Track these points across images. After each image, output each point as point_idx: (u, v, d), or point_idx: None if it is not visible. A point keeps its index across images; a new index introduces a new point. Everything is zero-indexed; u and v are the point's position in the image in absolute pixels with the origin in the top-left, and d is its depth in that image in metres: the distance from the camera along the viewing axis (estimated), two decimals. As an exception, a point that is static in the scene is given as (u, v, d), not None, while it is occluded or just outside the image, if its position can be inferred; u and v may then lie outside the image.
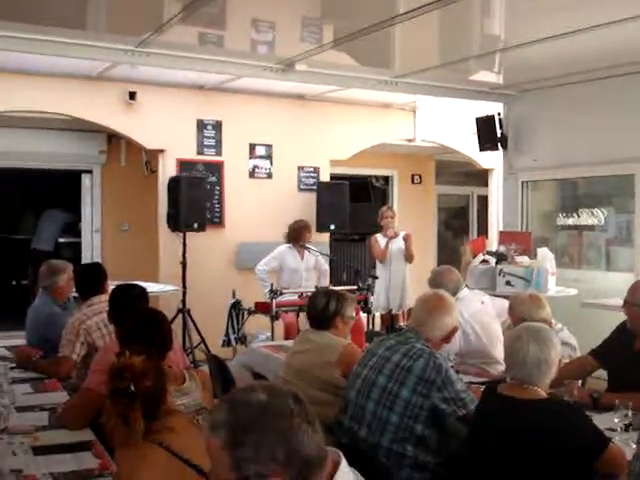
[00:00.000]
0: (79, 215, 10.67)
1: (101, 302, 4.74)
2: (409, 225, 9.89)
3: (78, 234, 10.76)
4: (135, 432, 2.34)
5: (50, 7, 5.60)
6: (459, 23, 5.92)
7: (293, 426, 1.63)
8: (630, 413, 3.30)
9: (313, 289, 7.55)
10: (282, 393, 1.69)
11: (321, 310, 4.36)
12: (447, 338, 3.82)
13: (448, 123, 10.81)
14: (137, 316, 3.32)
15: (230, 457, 1.61)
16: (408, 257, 8.76)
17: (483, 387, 3.80)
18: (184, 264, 8.32)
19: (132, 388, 2.40)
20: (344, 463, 1.80)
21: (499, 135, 8.58)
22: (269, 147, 9.57)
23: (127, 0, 5.44)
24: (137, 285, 4.51)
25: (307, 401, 1.71)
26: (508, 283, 7.10)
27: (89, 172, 10.37)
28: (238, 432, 1.60)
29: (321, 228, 9.39)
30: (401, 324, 7.96)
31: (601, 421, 3.26)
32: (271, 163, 9.60)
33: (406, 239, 8.72)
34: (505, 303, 5.22)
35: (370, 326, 7.92)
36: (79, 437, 3.24)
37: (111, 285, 5.04)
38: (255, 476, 1.60)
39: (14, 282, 13.35)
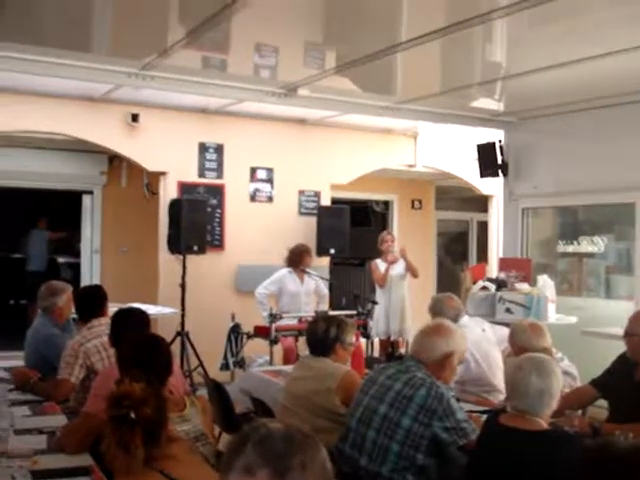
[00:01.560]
0: (74, 233, 10.68)
1: (101, 325, 4.73)
2: (409, 250, 9.87)
3: (77, 254, 10.76)
4: (136, 459, 2.33)
5: (55, 29, 5.63)
6: (461, 51, 5.96)
7: (316, 441, 1.65)
8: (631, 444, 3.28)
9: (312, 314, 7.56)
10: (287, 420, 1.70)
11: (321, 337, 4.35)
12: (445, 363, 3.76)
13: (449, 149, 10.85)
14: (138, 341, 3.30)
15: None
16: (412, 272, 8.72)
17: (484, 416, 3.79)
18: (183, 286, 8.30)
19: (132, 415, 2.39)
20: None
21: (500, 162, 8.60)
22: (270, 171, 9.60)
23: (132, 24, 5.45)
24: (138, 309, 4.51)
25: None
26: (508, 310, 7.09)
27: (90, 193, 10.39)
28: (280, 461, 1.57)
29: (321, 252, 9.39)
30: (401, 351, 7.93)
31: (602, 452, 3.24)
32: (272, 187, 9.62)
33: (403, 255, 8.68)
34: (505, 331, 5.21)
35: (369, 351, 7.89)
36: (78, 462, 3.21)
37: (111, 307, 5.05)
38: None
39: (12, 302, 13.33)
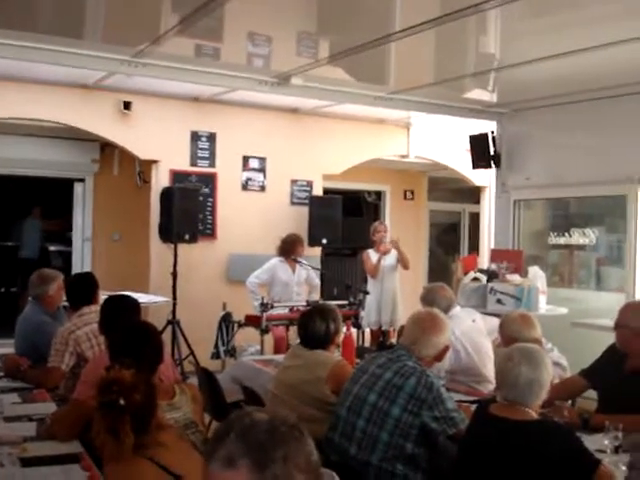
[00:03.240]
0: (67, 223, 10.64)
1: (91, 312, 4.72)
2: (401, 240, 9.89)
3: (69, 242, 10.73)
4: (125, 446, 2.32)
5: (47, 16, 5.61)
6: (454, 42, 5.96)
7: (303, 433, 1.63)
8: (620, 435, 3.29)
9: (304, 303, 7.57)
10: (275, 409, 1.69)
11: (323, 334, 4.32)
12: (439, 357, 3.82)
13: (442, 140, 10.85)
14: (128, 329, 3.30)
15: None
16: (404, 264, 8.72)
17: (473, 406, 3.80)
18: (175, 275, 8.29)
19: (122, 402, 2.38)
20: None
21: (492, 153, 8.61)
22: (263, 160, 9.59)
23: (125, 11, 5.42)
24: (129, 297, 4.50)
25: (296, 417, 1.71)
26: (499, 301, 7.10)
27: (82, 180, 10.35)
28: (262, 453, 1.56)
29: (313, 242, 9.40)
30: (392, 341, 7.95)
31: (591, 442, 3.26)
32: (264, 176, 9.61)
33: (396, 246, 8.68)
34: (496, 321, 5.22)
35: (360, 342, 7.91)
36: (67, 449, 3.21)
37: (101, 295, 5.04)
38: None
39: (2, 289, 13.30)
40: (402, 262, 8.69)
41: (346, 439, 3.62)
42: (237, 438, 1.57)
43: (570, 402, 4.40)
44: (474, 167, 8.96)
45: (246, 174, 9.50)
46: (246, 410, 1.69)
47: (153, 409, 2.48)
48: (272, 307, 7.52)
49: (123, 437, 2.33)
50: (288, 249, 8.23)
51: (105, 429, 2.34)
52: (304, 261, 8.35)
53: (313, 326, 4.34)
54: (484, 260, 9.43)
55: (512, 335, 4.35)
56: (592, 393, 4.34)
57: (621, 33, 5.35)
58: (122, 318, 3.91)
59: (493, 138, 8.60)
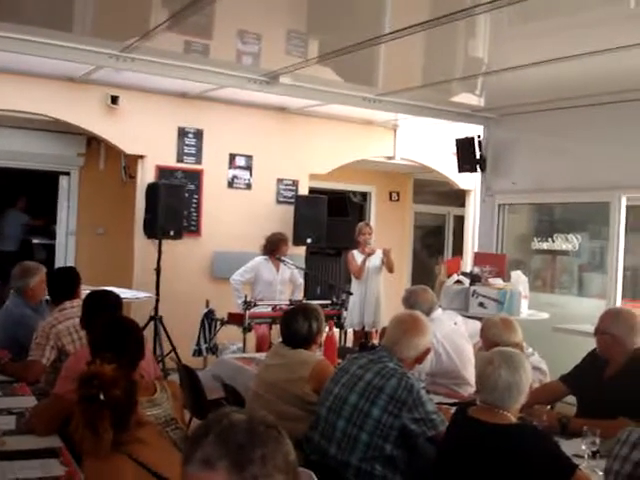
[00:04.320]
0: (51, 219, 10.58)
1: (73, 307, 4.71)
2: (385, 242, 9.90)
3: (52, 236, 10.68)
4: (103, 442, 2.32)
5: (36, 7, 5.57)
6: (443, 45, 5.97)
7: (280, 433, 1.64)
8: (598, 440, 3.32)
9: (287, 302, 7.58)
10: (253, 409, 1.69)
11: (305, 333, 4.34)
12: (420, 359, 3.84)
13: (428, 143, 10.88)
14: (110, 324, 3.29)
15: None
16: (389, 268, 8.73)
17: (453, 408, 3.82)
18: (158, 271, 8.27)
19: (101, 396, 2.38)
20: None
21: (478, 157, 8.65)
22: (249, 158, 9.58)
23: (115, 5, 5.40)
24: (111, 292, 4.49)
25: (278, 416, 1.71)
26: (481, 305, 7.13)
27: (67, 174, 10.30)
28: (240, 454, 1.56)
29: (298, 241, 9.41)
30: (374, 342, 7.96)
31: (569, 447, 3.29)
32: (250, 174, 9.60)
33: (387, 255, 8.68)
34: (477, 325, 5.26)
35: (342, 342, 7.92)
36: (47, 443, 3.21)
37: (84, 289, 5.03)
38: None
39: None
40: (387, 266, 8.70)
41: (326, 439, 3.63)
42: (215, 440, 1.57)
43: (549, 406, 4.42)
44: (460, 170, 8.99)
45: (232, 172, 9.49)
46: (224, 411, 1.68)
47: (133, 405, 2.48)
48: (255, 305, 7.52)
49: (102, 432, 2.32)
50: (272, 248, 8.24)
51: (84, 424, 2.34)
52: (288, 260, 8.36)
53: (296, 325, 4.35)
54: (468, 263, 9.47)
55: (493, 339, 4.37)
56: (571, 398, 4.37)
57: (608, 41, 5.38)
58: (104, 313, 3.90)
59: (479, 142, 8.64)
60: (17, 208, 12.05)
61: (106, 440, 2.32)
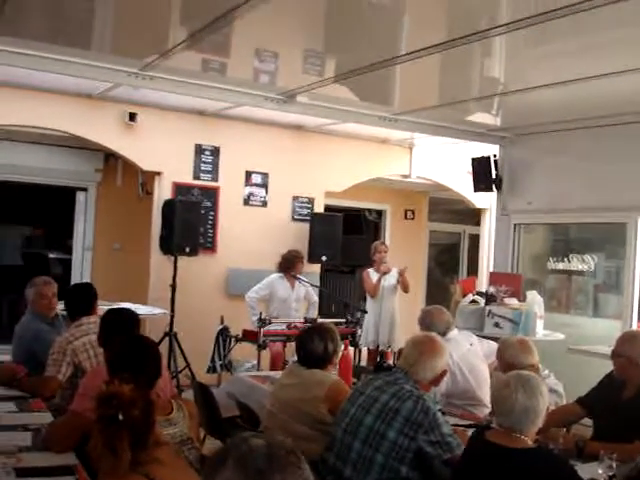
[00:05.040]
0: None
1: (90, 323, 4.74)
2: (400, 260, 9.89)
3: (69, 251, 10.74)
4: (122, 462, 2.32)
5: (56, 25, 5.63)
6: (460, 66, 6.00)
7: (299, 458, 1.65)
8: (614, 464, 3.29)
9: (302, 320, 7.58)
10: (271, 432, 1.71)
11: (321, 354, 4.32)
12: (436, 381, 3.83)
13: (444, 161, 10.88)
14: (127, 343, 3.30)
15: None
16: (405, 288, 8.71)
17: (469, 430, 3.81)
18: (174, 287, 8.30)
19: (120, 417, 2.39)
20: None
21: (494, 177, 8.64)
22: (265, 175, 9.61)
23: (134, 24, 5.46)
24: (129, 310, 4.51)
25: (292, 436, 1.72)
26: (496, 325, 7.12)
27: (84, 190, 10.37)
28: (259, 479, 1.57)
29: (313, 259, 9.41)
30: (389, 362, 7.94)
31: (585, 471, 3.27)
32: (266, 191, 9.63)
33: (402, 274, 8.68)
34: (493, 345, 5.23)
35: (357, 360, 7.90)
36: (63, 461, 3.21)
37: (100, 305, 5.06)
38: None
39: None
40: (403, 285, 8.69)
41: (341, 460, 3.62)
42: (235, 465, 1.58)
43: (565, 429, 4.40)
44: (475, 190, 8.98)
45: (248, 189, 9.53)
46: (242, 435, 1.70)
47: (151, 425, 2.49)
48: (270, 323, 7.52)
49: (120, 452, 2.32)
50: (288, 265, 8.25)
51: (103, 443, 2.34)
52: (303, 278, 8.37)
53: (311, 345, 4.34)
54: (483, 282, 9.45)
55: (509, 360, 4.36)
56: (588, 420, 4.35)
57: (626, 62, 5.39)
58: (122, 332, 3.92)
59: (495, 162, 8.63)
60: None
61: (124, 460, 2.32)
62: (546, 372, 4.75)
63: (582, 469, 3.27)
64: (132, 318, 4.32)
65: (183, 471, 2.61)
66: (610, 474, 3.31)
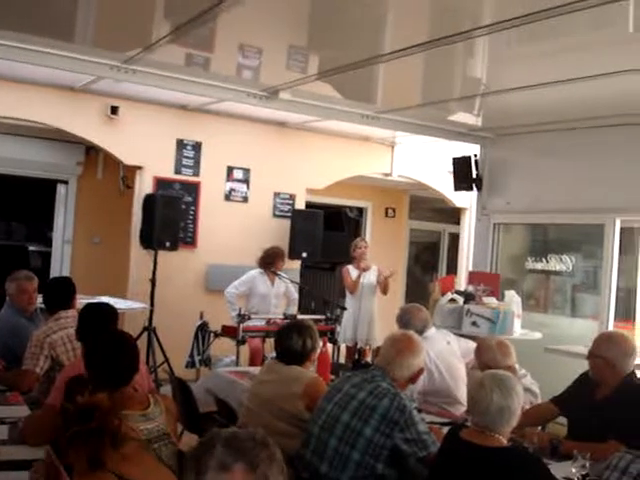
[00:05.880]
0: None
1: (68, 317, 4.73)
2: (380, 257, 9.95)
3: (49, 243, 10.68)
4: (102, 465, 2.32)
5: (38, 16, 5.59)
6: (442, 66, 6.03)
7: (273, 442, 1.80)
8: (588, 464, 3.33)
9: (281, 316, 7.59)
10: (245, 425, 1.85)
11: (299, 350, 4.34)
12: (413, 379, 3.86)
13: (425, 160, 10.92)
14: (104, 340, 3.28)
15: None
16: (383, 289, 8.77)
17: (445, 428, 3.84)
18: (153, 282, 8.27)
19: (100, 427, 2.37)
20: None
21: (474, 176, 8.69)
22: (247, 171, 9.61)
23: (117, 16, 5.43)
24: (107, 305, 4.50)
25: (271, 431, 1.85)
26: (474, 324, 7.16)
27: (65, 182, 10.31)
28: (251, 455, 1.71)
29: (293, 255, 9.42)
30: (367, 359, 7.97)
31: (559, 470, 3.31)
32: (248, 187, 9.63)
33: (387, 277, 8.70)
34: (470, 344, 5.28)
35: (335, 357, 7.93)
36: (39, 454, 3.18)
37: (79, 299, 5.04)
38: None
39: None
40: (382, 287, 8.73)
41: (317, 457, 3.64)
42: (225, 447, 1.70)
43: (540, 428, 4.44)
44: (456, 189, 9.04)
45: (230, 184, 9.52)
46: (216, 429, 1.82)
47: (120, 424, 2.47)
48: (249, 318, 7.53)
49: (104, 459, 2.32)
50: (269, 261, 8.25)
51: (86, 454, 2.32)
52: (283, 274, 8.38)
53: (290, 342, 4.36)
54: (462, 281, 9.50)
55: (487, 362, 4.41)
56: (563, 418, 4.39)
57: (606, 65, 5.44)
58: (99, 326, 3.92)
59: (476, 161, 8.68)
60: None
61: (109, 463, 2.32)
62: (523, 372, 4.80)
63: (556, 468, 3.31)
64: (110, 313, 4.31)
65: (150, 466, 2.61)
66: (583, 473, 3.34)
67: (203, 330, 7.76)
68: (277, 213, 9.89)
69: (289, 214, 9.83)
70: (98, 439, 2.33)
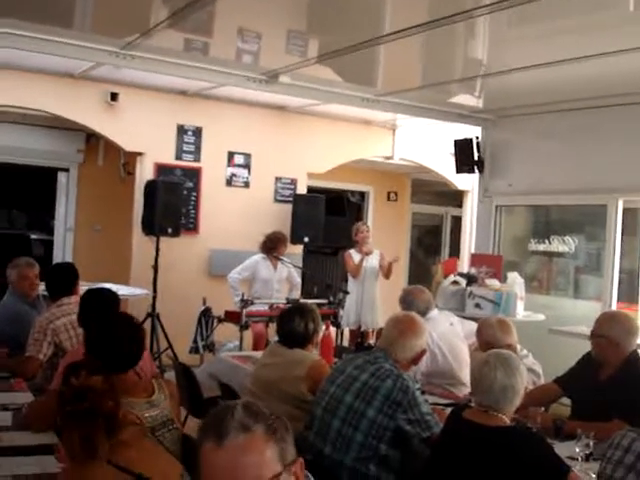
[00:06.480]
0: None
1: (71, 303, 4.73)
2: (382, 241, 9.93)
3: (51, 231, 10.68)
4: (100, 452, 2.31)
5: (36, 3, 5.57)
6: (443, 47, 5.99)
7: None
8: (591, 443, 3.33)
9: (284, 301, 7.59)
10: None
11: (302, 333, 4.36)
12: (416, 360, 3.86)
13: (426, 143, 10.89)
14: (108, 323, 3.28)
15: (276, 446, 1.72)
16: (386, 273, 8.78)
17: (448, 409, 3.84)
18: (156, 268, 8.26)
19: (94, 409, 2.37)
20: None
21: (476, 158, 8.65)
22: (248, 156, 9.59)
23: (115, 2, 5.42)
24: (108, 290, 4.50)
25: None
26: (477, 305, 7.16)
27: (66, 170, 10.30)
28: (269, 419, 1.74)
29: (295, 240, 9.41)
30: (370, 342, 7.97)
31: (562, 449, 3.31)
32: (249, 172, 9.61)
33: (391, 262, 8.71)
34: (473, 326, 5.27)
35: (339, 341, 7.94)
36: (43, 440, 3.20)
37: (82, 285, 5.04)
38: (292, 463, 1.75)
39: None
40: (384, 271, 8.73)
41: (321, 438, 3.65)
42: (244, 411, 1.73)
43: (543, 408, 4.44)
44: (458, 171, 9.00)
45: (231, 170, 9.50)
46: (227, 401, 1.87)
47: (118, 410, 2.46)
48: (252, 303, 7.54)
49: (98, 444, 2.32)
50: (272, 246, 8.25)
51: (80, 437, 2.32)
52: (286, 259, 8.37)
53: (292, 325, 4.37)
54: (464, 264, 9.50)
55: (487, 339, 4.41)
56: (566, 399, 4.40)
57: (607, 45, 5.40)
58: (101, 311, 3.91)
59: (477, 143, 8.65)
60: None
61: (103, 450, 2.32)
62: (524, 352, 4.79)
63: (560, 448, 3.30)
64: (112, 298, 4.32)
65: (150, 451, 2.60)
66: (587, 452, 3.34)
67: (206, 316, 7.78)
68: (278, 198, 9.87)
69: (290, 199, 9.81)
70: (91, 421, 2.32)
